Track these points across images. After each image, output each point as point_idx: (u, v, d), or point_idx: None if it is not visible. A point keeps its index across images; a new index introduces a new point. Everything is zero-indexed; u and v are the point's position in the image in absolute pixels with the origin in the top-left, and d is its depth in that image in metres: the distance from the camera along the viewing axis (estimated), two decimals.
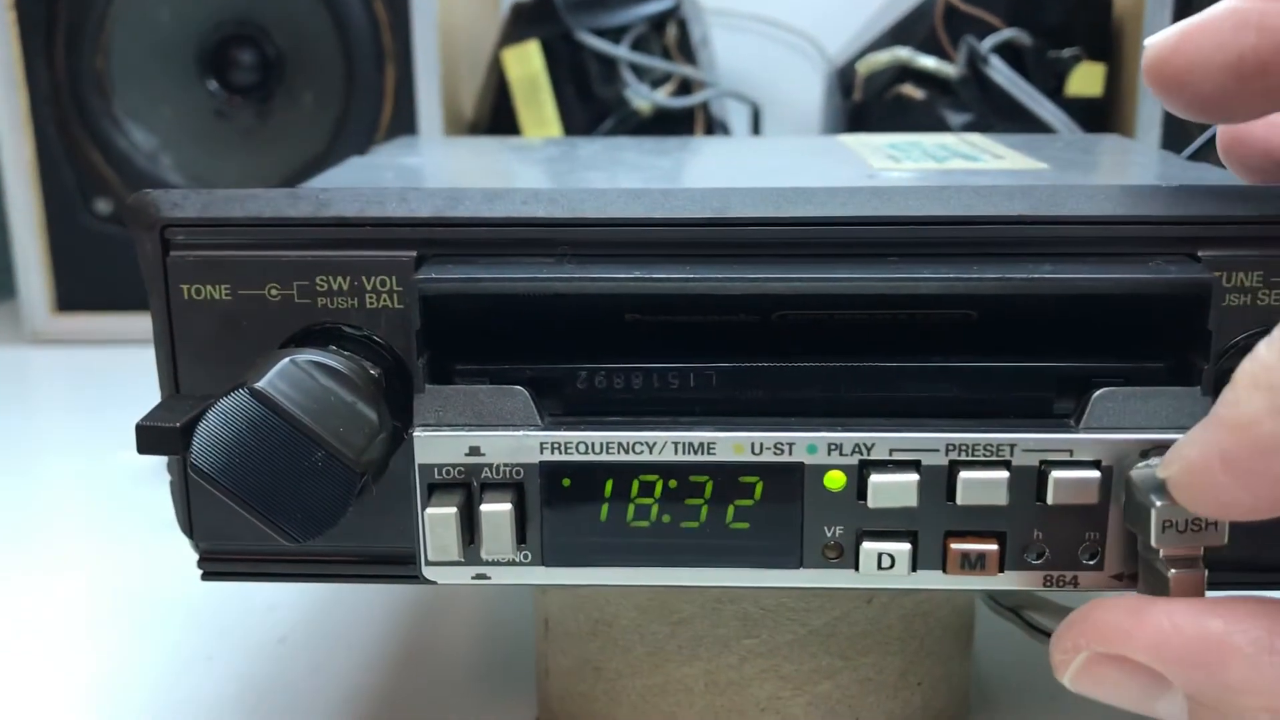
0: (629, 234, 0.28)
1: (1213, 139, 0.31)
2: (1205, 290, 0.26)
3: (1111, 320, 0.28)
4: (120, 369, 0.78)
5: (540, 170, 0.43)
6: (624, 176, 0.40)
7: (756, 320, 0.29)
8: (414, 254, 0.28)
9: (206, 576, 0.30)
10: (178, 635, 0.44)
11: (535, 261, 0.28)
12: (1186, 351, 0.27)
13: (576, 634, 0.35)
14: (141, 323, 0.80)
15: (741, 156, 0.47)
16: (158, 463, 0.57)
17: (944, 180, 0.35)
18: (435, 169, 0.43)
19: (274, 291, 0.28)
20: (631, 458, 0.27)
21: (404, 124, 0.81)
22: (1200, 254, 0.27)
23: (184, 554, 0.31)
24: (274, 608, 0.45)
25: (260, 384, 0.25)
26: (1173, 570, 0.25)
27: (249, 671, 0.41)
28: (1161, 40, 0.27)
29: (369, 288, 0.28)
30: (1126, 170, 0.41)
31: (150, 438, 0.26)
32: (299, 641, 0.43)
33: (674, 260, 0.27)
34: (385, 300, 0.28)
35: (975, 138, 0.48)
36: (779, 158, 0.46)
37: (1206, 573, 0.25)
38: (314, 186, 0.29)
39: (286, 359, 0.25)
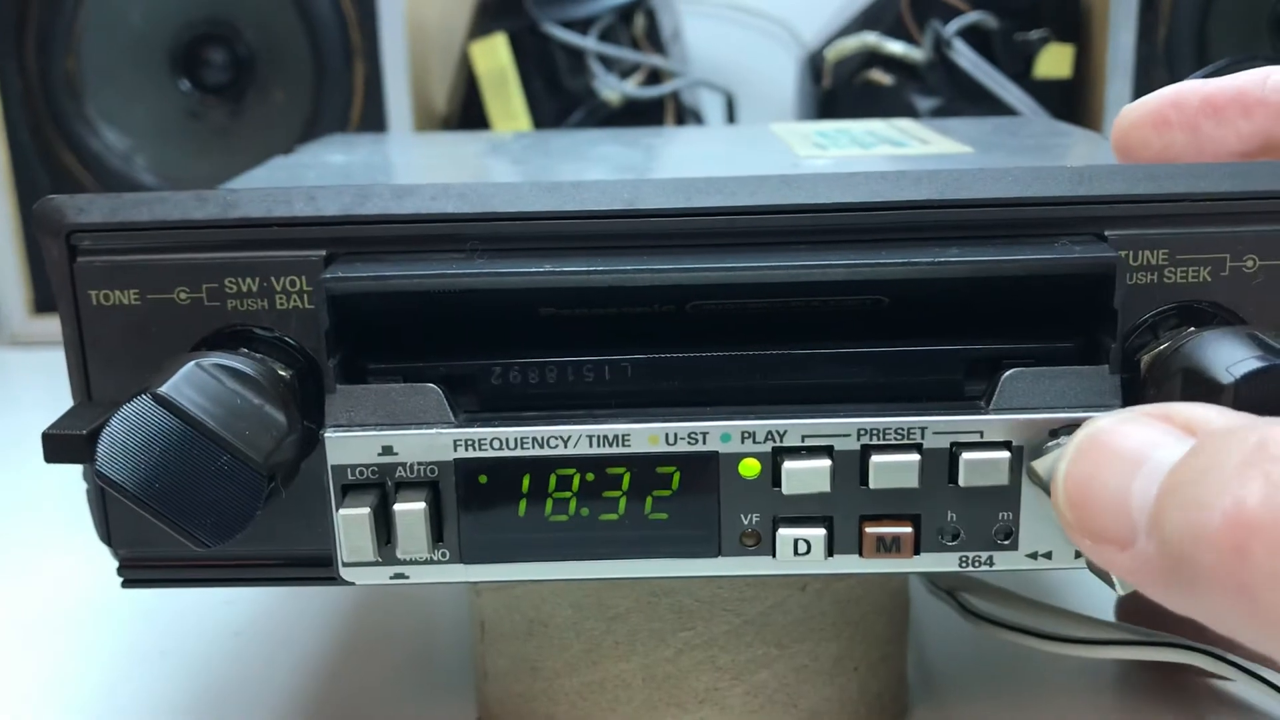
0: (540, 228, 0.28)
1: None
2: (1110, 269, 0.26)
3: (1020, 302, 0.28)
4: None
5: (463, 166, 0.43)
6: (540, 169, 0.39)
7: (671, 311, 0.29)
8: (323, 253, 0.27)
9: (127, 584, 0.30)
10: (134, 630, 0.44)
11: (445, 258, 0.28)
12: (1094, 331, 0.27)
13: (512, 635, 0.35)
14: None
15: (670, 148, 0.47)
16: None
17: (866, 167, 0.35)
18: (360, 167, 0.43)
19: (183, 295, 0.28)
20: (547, 452, 0.27)
21: (374, 119, 0.80)
22: (1107, 233, 0.27)
23: None
24: (231, 602, 0.45)
25: (163, 389, 0.24)
26: None
27: (205, 665, 0.41)
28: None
29: (279, 289, 0.28)
30: (1049, 152, 0.41)
31: (57, 446, 0.26)
32: (255, 634, 0.43)
33: (585, 253, 0.27)
34: (295, 301, 0.28)
35: (905, 123, 0.48)
36: (707, 148, 0.46)
37: None
38: (227, 187, 0.28)
39: (191, 363, 0.25)
